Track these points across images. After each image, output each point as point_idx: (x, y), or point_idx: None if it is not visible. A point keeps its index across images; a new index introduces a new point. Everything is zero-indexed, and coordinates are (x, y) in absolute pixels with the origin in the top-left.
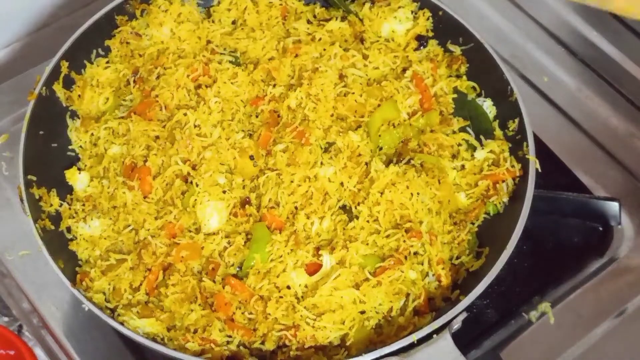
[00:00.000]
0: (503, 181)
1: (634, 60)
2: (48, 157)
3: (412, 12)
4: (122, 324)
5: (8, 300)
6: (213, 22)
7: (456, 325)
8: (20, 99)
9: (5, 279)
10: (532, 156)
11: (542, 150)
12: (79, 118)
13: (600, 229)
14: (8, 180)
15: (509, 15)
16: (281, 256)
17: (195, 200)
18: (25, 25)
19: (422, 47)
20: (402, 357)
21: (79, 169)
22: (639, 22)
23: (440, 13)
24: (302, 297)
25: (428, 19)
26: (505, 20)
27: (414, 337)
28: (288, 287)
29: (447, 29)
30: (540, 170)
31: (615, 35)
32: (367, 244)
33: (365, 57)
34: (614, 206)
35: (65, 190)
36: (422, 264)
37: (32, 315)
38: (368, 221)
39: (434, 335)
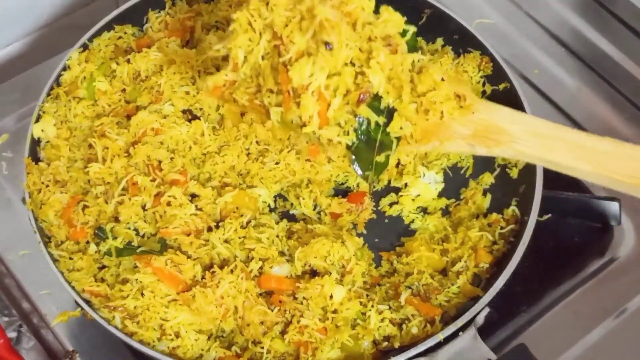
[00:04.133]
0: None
1: (634, 60)
2: None
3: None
4: (118, 328)
5: (8, 300)
6: None
7: (480, 321)
8: (20, 99)
9: (6, 278)
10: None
11: None
12: None
13: (601, 228)
14: (8, 180)
15: (509, 15)
16: None
17: None
18: (25, 25)
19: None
20: (430, 357)
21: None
22: (639, 22)
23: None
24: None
25: None
26: (505, 20)
27: (440, 336)
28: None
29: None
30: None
31: (615, 35)
32: None
33: None
34: (614, 206)
35: None
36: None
37: (32, 315)
38: None
39: (460, 333)
